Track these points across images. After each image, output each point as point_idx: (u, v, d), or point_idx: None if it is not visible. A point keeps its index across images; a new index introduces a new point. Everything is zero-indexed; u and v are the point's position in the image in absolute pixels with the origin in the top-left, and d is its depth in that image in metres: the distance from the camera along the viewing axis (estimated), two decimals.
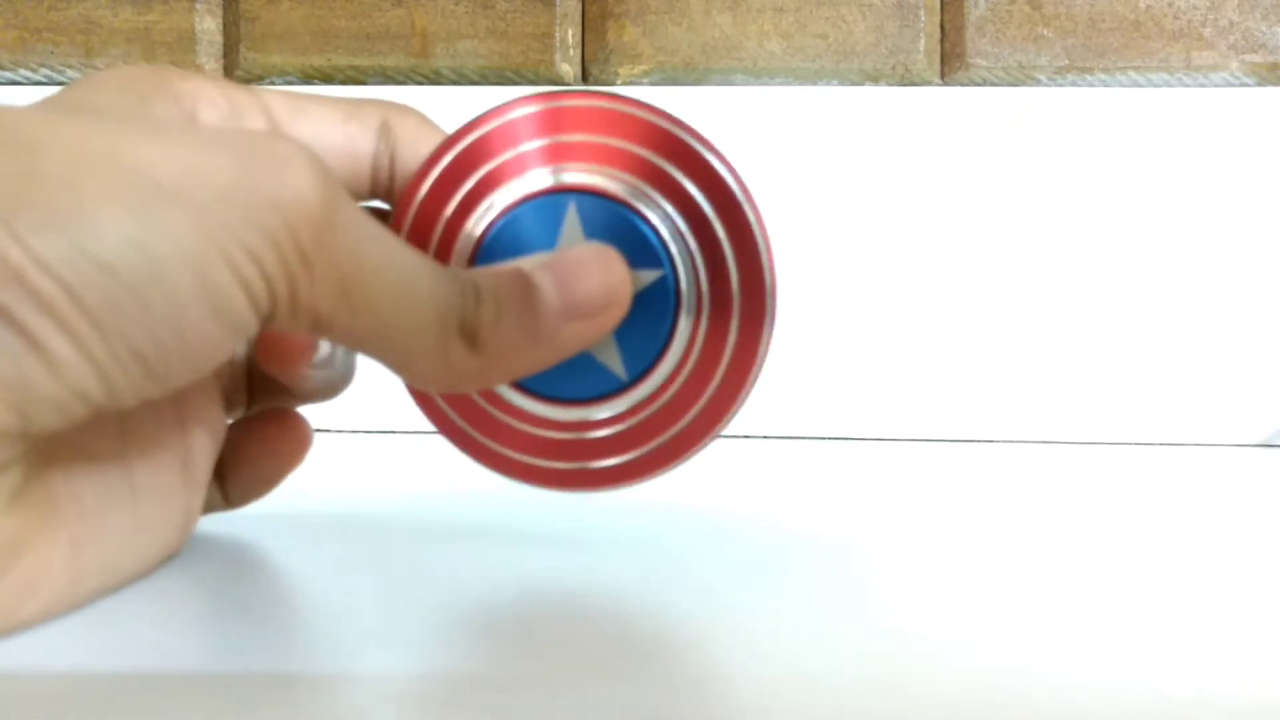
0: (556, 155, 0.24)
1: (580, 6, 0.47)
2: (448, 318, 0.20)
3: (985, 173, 0.45)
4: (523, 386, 0.24)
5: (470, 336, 0.20)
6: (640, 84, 0.47)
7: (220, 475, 0.26)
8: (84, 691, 0.17)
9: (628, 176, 0.24)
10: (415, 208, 0.24)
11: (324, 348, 0.25)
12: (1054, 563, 0.25)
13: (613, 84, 0.47)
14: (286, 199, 0.18)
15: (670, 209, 0.24)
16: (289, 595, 0.23)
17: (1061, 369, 0.45)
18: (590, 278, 0.21)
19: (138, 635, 0.20)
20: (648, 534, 0.28)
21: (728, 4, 0.47)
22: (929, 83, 0.47)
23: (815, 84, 0.47)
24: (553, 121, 0.24)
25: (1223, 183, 0.44)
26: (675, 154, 0.24)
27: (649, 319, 0.24)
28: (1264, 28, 0.46)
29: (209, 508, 0.26)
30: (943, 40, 0.47)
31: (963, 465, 0.40)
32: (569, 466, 0.24)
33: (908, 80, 0.47)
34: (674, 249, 0.24)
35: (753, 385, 0.24)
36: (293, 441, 0.26)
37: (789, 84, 0.47)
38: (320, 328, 0.19)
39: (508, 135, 0.24)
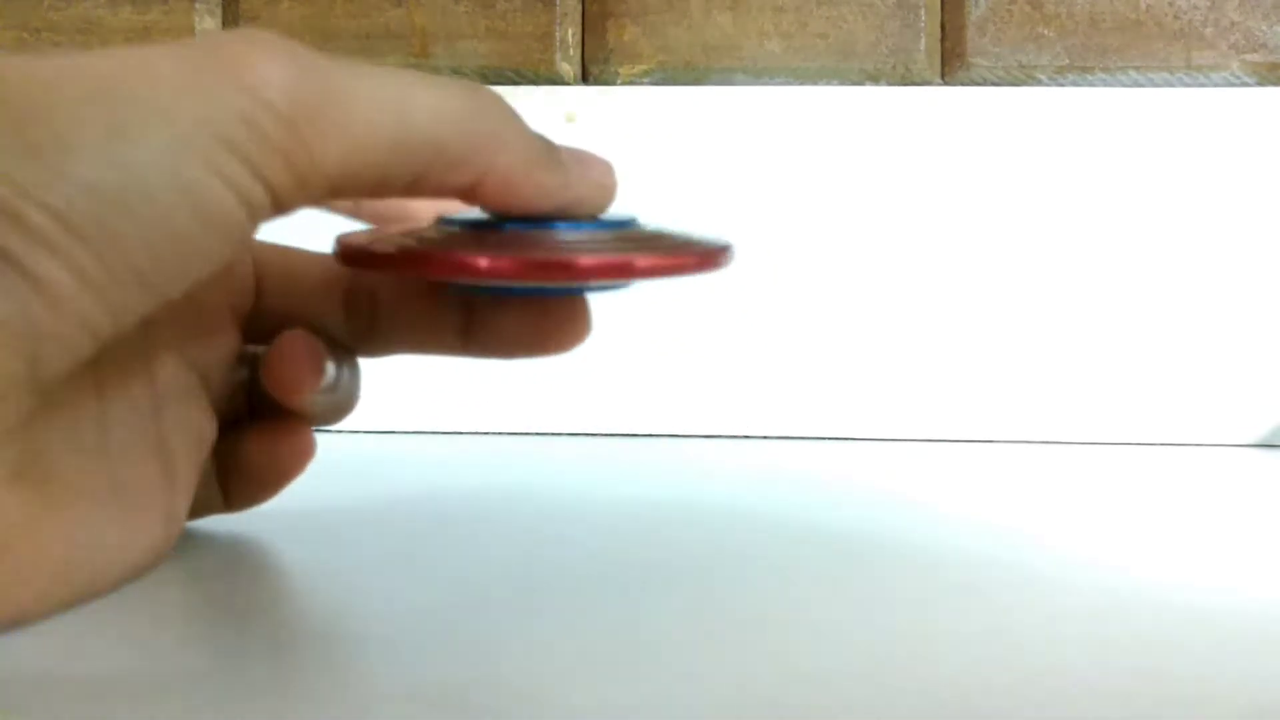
0: None
1: (580, 6, 0.47)
2: (480, 128, 0.20)
3: (986, 172, 0.45)
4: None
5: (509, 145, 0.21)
6: (640, 83, 0.47)
7: (222, 478, 0.26)
8: (84, 691, 0.17)
9: None
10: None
11: (330, 373, 0.25)
12: (1053, 563, 0.25)
13: (613, 84, 0.47)
14: (251, 80, 0.17)
15: None
16: (289, 595, 0.23)
17: (1060, 369, 0.45)
18: (597, 163, 0.23)
19: (137, 636, 0.20)
20: (647, 534, 0.28)
21: (728, 3, 0.47)
22: (929, 82, 0.47)
23: (815, 84, 0.47)
24: None
25: (1223, 183, 0.44)
26: None
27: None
28: (1265, 27, 0.46)
29: (208, 509, 0.26)
30: (943, 40, 0.47)
31: (961, 465, 0.40)
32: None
33: (908, 80, 0.47)
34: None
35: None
36: (294, 451, 0.26)
37: (789, 84, 0.47)
38: (341, 190, 0.19)
39: None
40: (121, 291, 0.17)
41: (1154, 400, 0.44)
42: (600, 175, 0.23)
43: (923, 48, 0.47)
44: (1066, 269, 0.45)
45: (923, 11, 0.47)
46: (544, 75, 0.47)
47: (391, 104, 0.19)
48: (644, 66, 0.47)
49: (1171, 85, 0.46)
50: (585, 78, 0.48)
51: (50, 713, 0.16)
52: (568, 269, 0.22)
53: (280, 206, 0.18)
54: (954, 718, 0.16)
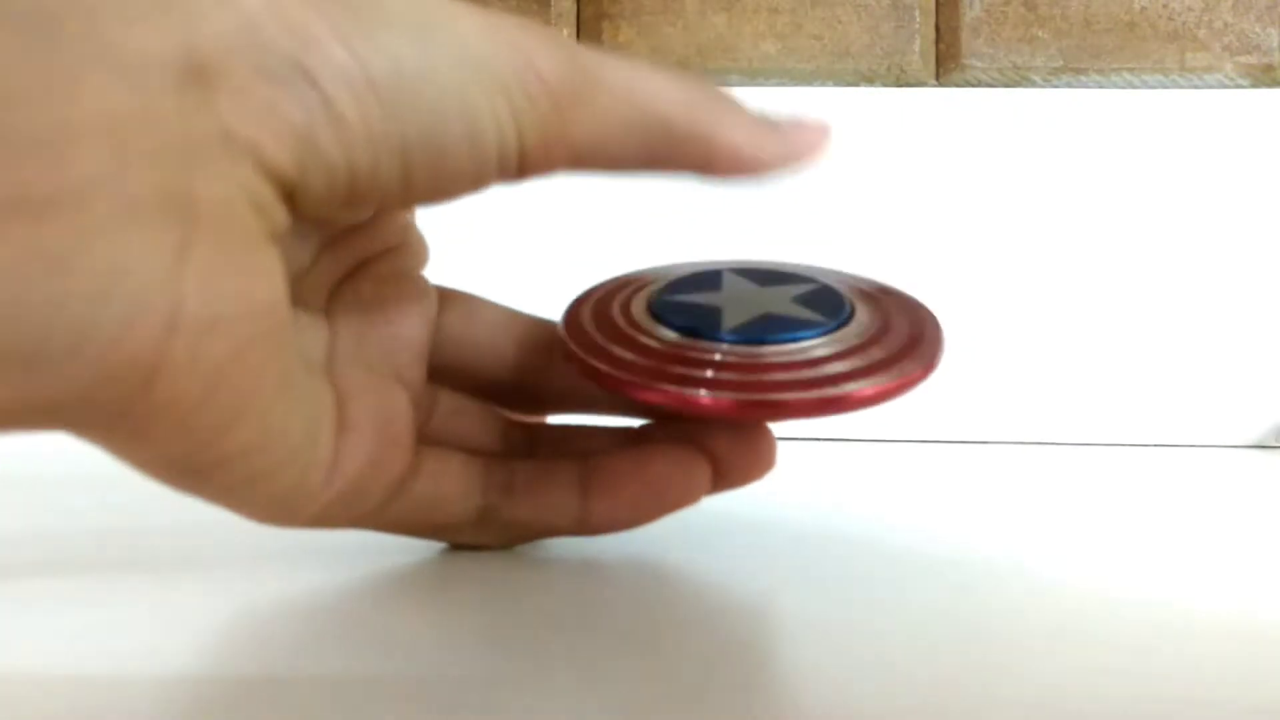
0: None
1: (575, 6, 0.47)
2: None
3: (980, 174, 0.45)
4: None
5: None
6: None
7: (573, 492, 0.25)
8: (84, 692, 0.17)
9: None
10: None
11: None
12: (1051, 564, 0.25)
13: None
14: (528, 48, 0.20)
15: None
16: (287, 595, 0.22)
17: (1056, 370, 0.45)
18: (811, 125, 0.24)
19: (138, 636, 0.20)
20: (649, 534, 0.28)
21: (723, 5, 0.47)
22: (924, 84, 0.47)
23: (810, 85, 0.47)
24: None
25: (1217, 184, 0.45)
26: None
27: (828, 301, 0.25)
28: (1258, 29, 0.46)
29: (553, 527, 0.25)
30: (938, 41, 0.47)
31: (957, 467, 0.40)
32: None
33: (903, 81, 0.47)
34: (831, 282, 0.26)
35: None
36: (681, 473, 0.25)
37: (784, 85, 0.47)
38: (580, 165, 0.21)
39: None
40: (388, 157, 0.19)
41: (1150, 401, 0.45)
42: (817, 136, 0.24)
43: (917, 49, 0.47)
44: (1062, 270, 0.45)
45: (917, 13, 0.47)
46: None
47: (630, 88, 0.21)
48: None
49: (1165, 87, 0.46)
50: None
51: (48, 713, 0.16)
52: (782, 409, 0.23)
53: (524, 168, 0.20)
54: (953, 717, 0.16)
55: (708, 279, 0.26)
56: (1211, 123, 0.45)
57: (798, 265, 0.27)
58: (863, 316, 0.25)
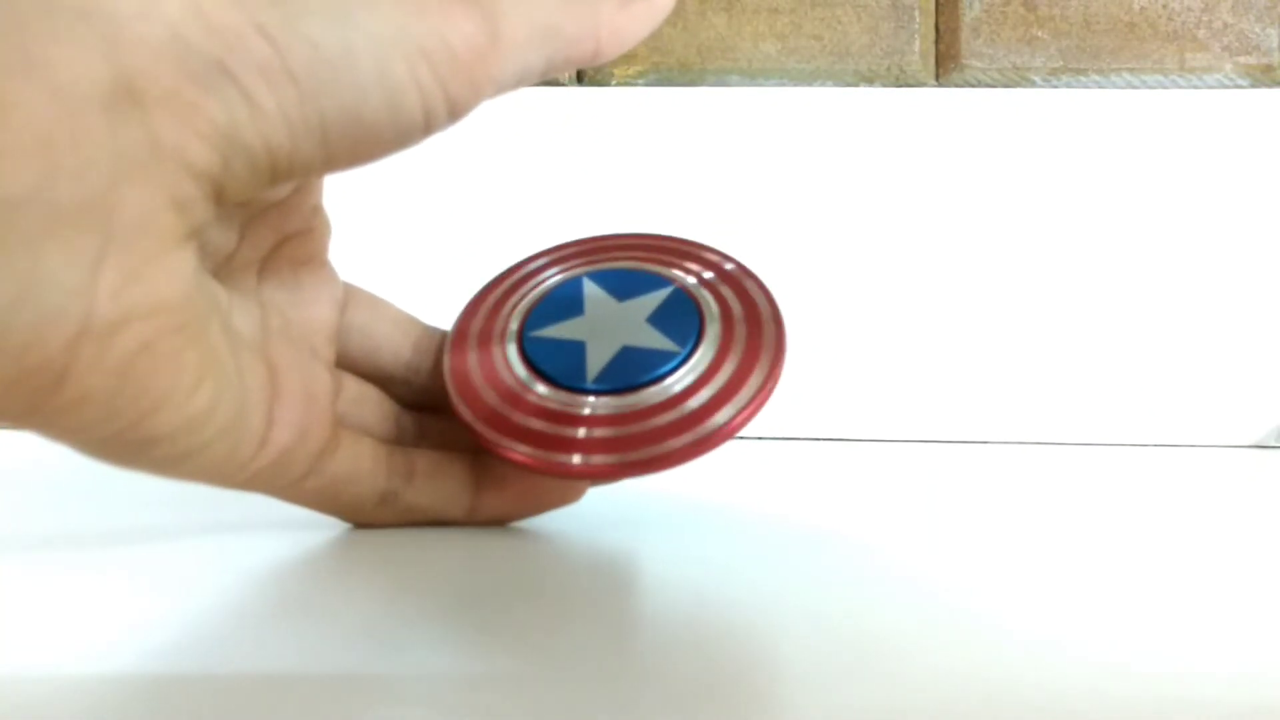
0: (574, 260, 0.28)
1: None
2: None
3: (980, 174, 0.45)
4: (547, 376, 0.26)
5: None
6: (635, 85, 0.47)
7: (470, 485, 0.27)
8: (85, 694, 0.17)
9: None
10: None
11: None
12: (1051, 564, 0.25)
13: (608, 84, 0.47)
14: (447, 10, 0.21)
15: (693, 272, 0.28)
16: (287, 596, 0.22)
17: (1056, 371, 0.45)
18: None
19: (138, 637, 0.20)
20: (649, 534, 0.28)
21: (723, 5, 0.47)
22: (924, 84, 0.47)
23: (810, 85, 0.47)
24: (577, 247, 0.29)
25: (1217, 184, 0.45)
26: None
27: (679, 315, 0.26)
28: (1258, 29, 0.46)
29: (445, 514, 0.27)
30: (937, 41, 0.47)
31: (957, 467, 0.40)
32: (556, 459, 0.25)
33: (902, 81, 0.47)
34: (687, 282, 0.27)
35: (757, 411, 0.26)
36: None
37: (784, 85, 0.47)
38: (504, 90, 0.22)
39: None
40: (306, 137, 0.19)
41: (1150, 401, 0.44)
42: None
43: (917, 49, 0.47)
44: (1062, 270, 0.45)
45: (917, 13, 0.47)
46: None
47: (529, 13, 0.22)
48: (639, 68, 0.47)
49: (1165, 87, 0.46)
50: (580, 78, 0.47)
51: (49, 714, 0.16)
52: (661, 462, 0.24)
53: (454, 115, 0.21)
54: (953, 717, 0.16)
55: (570, 298, 0.27)
56: (1211, 123, 0.45)
57: (648, 244, 0.29)
58: (711, 327, 0.26)
